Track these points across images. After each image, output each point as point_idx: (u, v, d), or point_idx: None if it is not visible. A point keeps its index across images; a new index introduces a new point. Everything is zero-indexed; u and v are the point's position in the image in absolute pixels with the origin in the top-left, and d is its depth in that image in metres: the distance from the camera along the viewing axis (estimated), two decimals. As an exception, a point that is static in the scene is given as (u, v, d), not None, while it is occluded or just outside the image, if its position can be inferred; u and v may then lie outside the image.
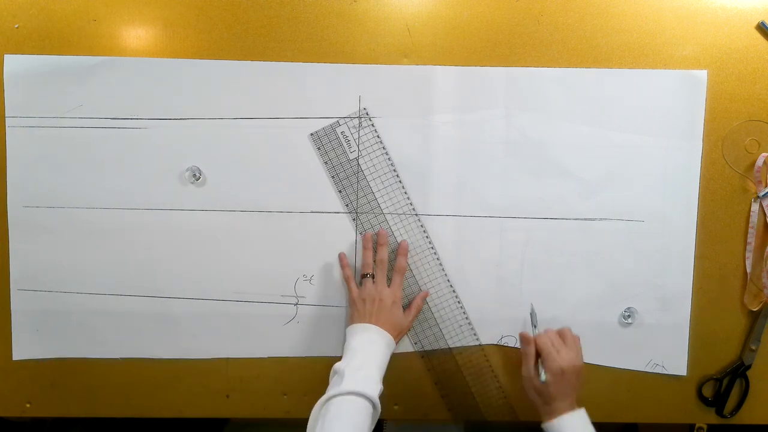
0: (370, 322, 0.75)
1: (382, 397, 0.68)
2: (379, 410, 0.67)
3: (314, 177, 0.80)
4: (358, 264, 0.81)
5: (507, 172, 0.80)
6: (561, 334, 0.75)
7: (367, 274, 0.79)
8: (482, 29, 0.79)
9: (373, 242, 0.80)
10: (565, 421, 0.69)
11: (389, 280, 0.80)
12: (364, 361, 0.71)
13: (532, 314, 0.79)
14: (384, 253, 0.79)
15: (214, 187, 0.80)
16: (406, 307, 0.80)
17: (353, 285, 0.79)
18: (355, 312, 0.78)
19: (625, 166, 0.80)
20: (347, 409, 0.64)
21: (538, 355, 0.73)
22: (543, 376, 0.71)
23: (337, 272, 0.81)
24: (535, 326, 0.78)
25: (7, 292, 0.81)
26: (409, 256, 0.81)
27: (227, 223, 0.80)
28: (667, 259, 0.81)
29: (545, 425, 0.70)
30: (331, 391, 0.66)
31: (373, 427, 0.65)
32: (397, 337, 0.78)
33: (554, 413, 0.70)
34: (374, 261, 0.79)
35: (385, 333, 0.75)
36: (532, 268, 0.81)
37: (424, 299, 0.81)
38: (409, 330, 0.82)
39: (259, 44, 0.78)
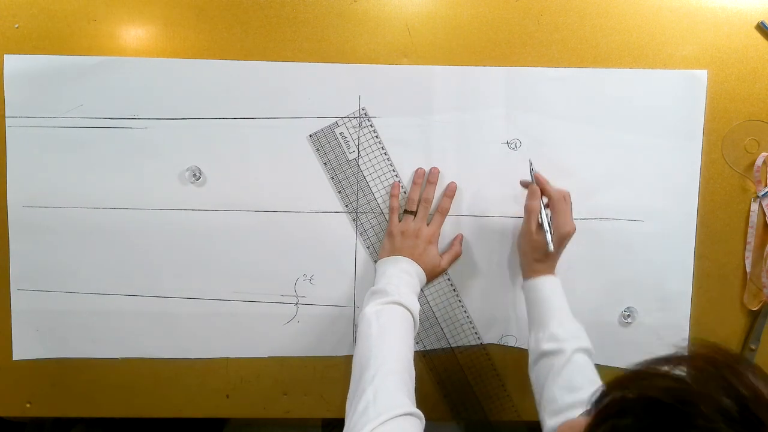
0: (402, 255, 0.76)
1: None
2: (418, 327, 0.71)
3: (314, 177, 0.80)
4: (359, 259, 0.81)
5: (507, 172, 0.80)
6: (558, 192, 0.73)
7: (410, 211, 0.79)
8: (482, 29, 0.79)
9: (424, 179, 0.80)
10: (555, 281, 0.73)
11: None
12: (400, 284, 0.72)
13: (531, 170, 0.76)
14: (430, 192, 0.79)
15: (214, 187, 0.80)
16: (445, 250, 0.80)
17: (395, 217, 0.79)
18: (388, 244, 0.78)
19: (625, 166, 0.80)
20: (399, 315, 0.68)
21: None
22: (551, 246, 0.71)
23: (337, 271, 0.81)
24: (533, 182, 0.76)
25: (7, 292, 0.81)
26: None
27: (227, 223, 0.80)
28: (667, 258, 0.81)
29: (540, 279, 0.73)
30: (379, 300, 0.68)
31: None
32: (430, 275, 0.78)
33: (546, 271, 0.73)
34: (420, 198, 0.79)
35: (417, 266, 0.76)
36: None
37: (461, 242, 0.80)
38: (445, 272, 0.81)
39: (259, 44, 0.78)
